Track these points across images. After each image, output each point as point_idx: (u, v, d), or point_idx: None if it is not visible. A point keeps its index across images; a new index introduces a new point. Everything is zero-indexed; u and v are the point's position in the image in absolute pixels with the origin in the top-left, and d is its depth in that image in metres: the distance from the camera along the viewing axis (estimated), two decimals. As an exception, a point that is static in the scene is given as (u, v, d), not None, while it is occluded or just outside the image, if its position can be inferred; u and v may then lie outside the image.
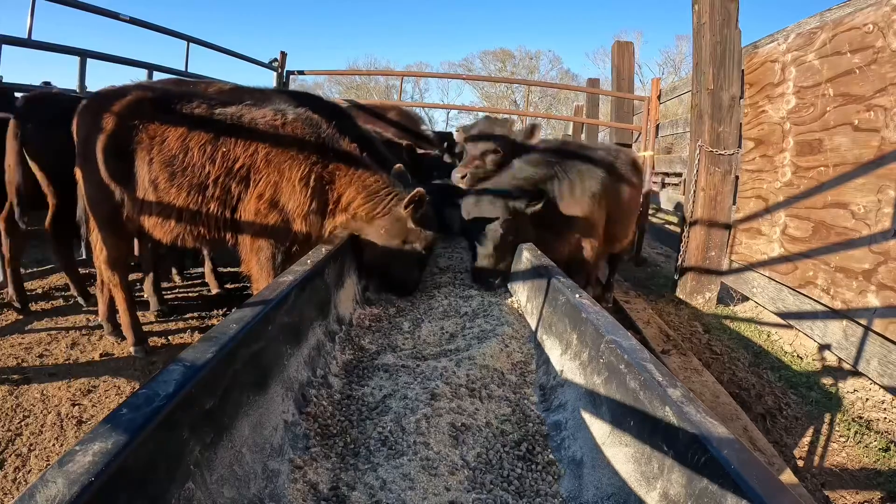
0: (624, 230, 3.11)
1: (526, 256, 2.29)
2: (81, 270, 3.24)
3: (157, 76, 4.38)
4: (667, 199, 6.82)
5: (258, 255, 2.25)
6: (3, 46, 3.05)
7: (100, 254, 2.42)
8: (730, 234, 3.95)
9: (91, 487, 0.65)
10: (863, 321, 2.53)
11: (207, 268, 3.53)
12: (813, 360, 2.98)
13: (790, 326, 3.21)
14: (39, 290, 3.23)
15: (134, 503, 0.73)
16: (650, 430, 1.02)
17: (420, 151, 3.81)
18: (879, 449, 2.17)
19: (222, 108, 2.28)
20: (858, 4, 2.74)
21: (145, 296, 3.07)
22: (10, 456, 1.75)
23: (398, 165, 2.58)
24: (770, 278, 3.37)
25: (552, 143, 3.31)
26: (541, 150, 2.88)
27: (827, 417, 2.42)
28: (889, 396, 2.51)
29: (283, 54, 5.86)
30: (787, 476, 1.73)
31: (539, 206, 2.40)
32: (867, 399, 2.55)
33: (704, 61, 3.92)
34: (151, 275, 3.05)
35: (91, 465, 0.67)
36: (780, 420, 2.38)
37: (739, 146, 3.90)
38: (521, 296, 2.19)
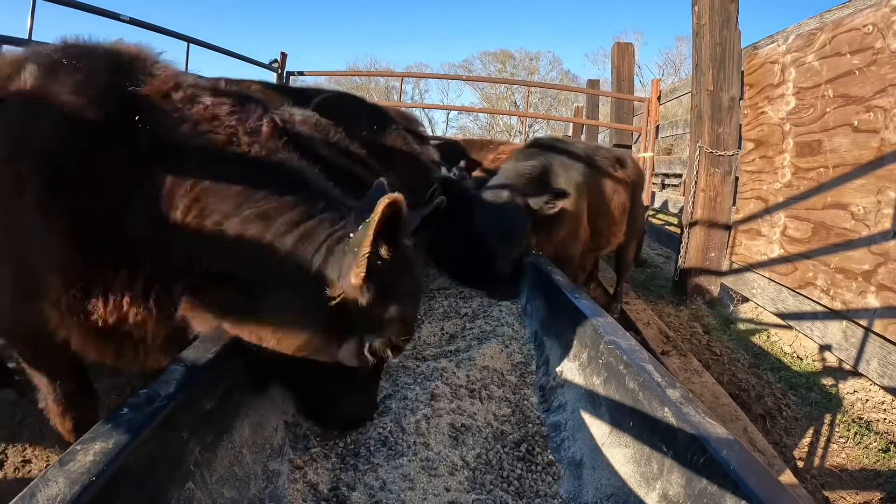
0: (609, 227, 3.05)
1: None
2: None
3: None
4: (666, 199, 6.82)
5: None
6: (4, 47, 3.05)
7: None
8: (729, 235, 3.95)
9: (92, 487, 0.65)
10: (863, 322, 2.53)
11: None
12: (813, 360, 2.98)
13: (790, 327, 3.21)
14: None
15: (134, 503, 0.73)
16: (649, 431, 1.02)
17: None
18: (879, 450, 2.17)
19: None
20: (858, 6, 2.75)
21: None
22: (10, 455, 1.75)
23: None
24: (770, 279, 3.37)
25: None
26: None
27: (827, 418, 2.42)
28: (889, 397, 2.51)
29: (284, 55, 5.87)
30: (787, 477, 1.73)
31: (562, 203, 2.30)
32: (867, 400, 2.55)
33: (704, 62, 3.92)
34: None
35: (92, 465, 0.67)
36: (780, 421, 2.38)
37: (739, 147, 3.90)
38: (521, 296, 2.19)
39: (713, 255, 3.97)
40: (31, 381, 1.32)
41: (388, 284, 1.09)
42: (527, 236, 2.30)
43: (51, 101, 1.07)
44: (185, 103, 1.13)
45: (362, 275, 0.99)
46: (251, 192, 1.08)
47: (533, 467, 1.24)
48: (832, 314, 2.75)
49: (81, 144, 1.06)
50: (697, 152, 4.00)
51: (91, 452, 0.69)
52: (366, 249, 0.97)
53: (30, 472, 1.69)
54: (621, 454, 1.09)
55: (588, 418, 1.27)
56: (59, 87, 1.08)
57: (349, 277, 1.01)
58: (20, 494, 0.63)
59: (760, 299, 3.47)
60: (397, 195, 0.95)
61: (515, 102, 22.45)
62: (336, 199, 1.17)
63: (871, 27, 2.62)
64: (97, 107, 1.08)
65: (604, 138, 8.49)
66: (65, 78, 1.10)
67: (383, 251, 1.01)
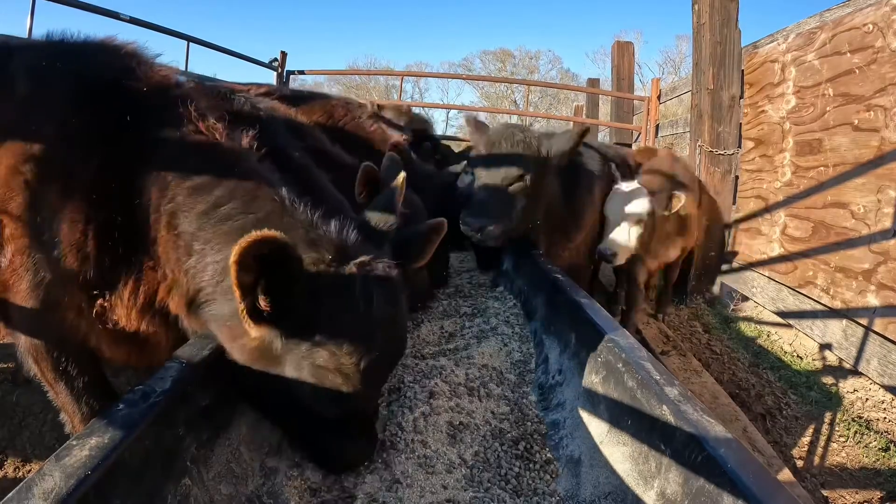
0: None
1: (524, 255, 2.28)
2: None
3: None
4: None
5: None
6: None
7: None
8: (730, 233, 3.95)
9: (87, 481, 0.65)
10: (863, 321, 2.53)
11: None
12: (813, 359, 2.98)
13: (790, 326, 3.20)
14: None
15: (130, 498, 0.73)
16: (648, 429, 1.01)
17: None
18: (879, 449, 2.17)
19: None
20: (858, 4, 2.74)
21: None
22: (10, 455, 1.75)
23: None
24: (770, 278, 3.37)
25: None
26: None
27: (827, 417, 2.42)
28: (889, 396, 2.51)
29: (284, 54, 5.86)
30: (786, 476, 1.72)
31: (580, 140, 2.00)
32: (867, 399, 2.54)
33: (704, 61, 3.91)
34: None
35: (87, 460, 0.67)
36: (780, 420, 2.38)
37: (739, 146, 3.90)
38: (521, 295, 2.19)
39: (713, 254, 3.97)
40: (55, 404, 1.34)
41: (317, 324, 0.93)
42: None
43: (51, 105, 1.07)
44: (187, 120, 1.12)
45: (251, 323, 0.85)
46: (214, 213, 1.03)
47: (531, 465, 1.24)
48: (832, 313, 2.75)
49: (84, 148, 1.06)
50: (698, 151, 3.99)
51: (87, 447, 0.69)
52: (240, 306, 0.84)
53: (30, 471, 1.69)
54: (619, 452, 1.09)
55: (586, 416, 1.26)
56: (58, 91, 1.08)
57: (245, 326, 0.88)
58: (17, 488, 0.63)
59: (760, 298, 3.46)
60: (254, 236, 0.79)
61: (515, 101, 22.42)
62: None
63: (871, 26, 2.61)
64: (99, 109, 1.08)
65: (604, 137, 8.47)
66: (62, 80, 1.10)
67: (262, 303, 0.86)
